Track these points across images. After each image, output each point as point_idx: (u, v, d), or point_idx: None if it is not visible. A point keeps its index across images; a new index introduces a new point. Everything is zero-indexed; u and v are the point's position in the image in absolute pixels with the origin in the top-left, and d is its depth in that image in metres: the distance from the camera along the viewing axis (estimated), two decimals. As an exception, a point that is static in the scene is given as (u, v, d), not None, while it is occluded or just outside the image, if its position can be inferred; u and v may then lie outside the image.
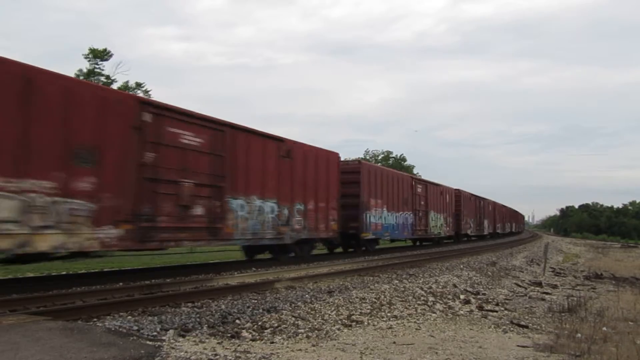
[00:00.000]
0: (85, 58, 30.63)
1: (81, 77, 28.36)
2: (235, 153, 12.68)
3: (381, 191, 21.21)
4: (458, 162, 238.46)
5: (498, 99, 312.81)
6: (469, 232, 37.01)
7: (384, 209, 21.46)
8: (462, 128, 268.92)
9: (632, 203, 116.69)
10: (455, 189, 34.46)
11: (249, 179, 13.18)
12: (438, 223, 28.88)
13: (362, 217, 19.31)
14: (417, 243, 29.37)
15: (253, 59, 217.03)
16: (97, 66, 30.65)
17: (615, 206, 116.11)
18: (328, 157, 17.31)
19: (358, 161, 20.89)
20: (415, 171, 61.30)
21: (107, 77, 30.77)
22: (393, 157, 64.62)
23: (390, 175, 23.24)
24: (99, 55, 30.53)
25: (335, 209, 17.31)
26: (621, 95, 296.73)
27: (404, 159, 65.44)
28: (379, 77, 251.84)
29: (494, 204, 48.72)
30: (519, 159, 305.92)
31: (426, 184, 27.99)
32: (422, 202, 26.30)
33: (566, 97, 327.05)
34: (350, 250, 20.61)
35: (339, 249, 20.75)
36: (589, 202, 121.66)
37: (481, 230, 41.50)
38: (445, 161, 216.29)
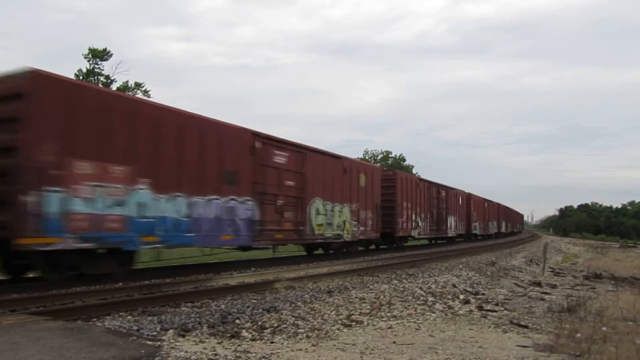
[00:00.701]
0: (85, 58, 30.70)
1: (80, 77, 28.38)
2: None
3: (132, 145, 10.19)
4: (458, 162, 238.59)
5: (498, 99, 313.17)
6: (414, 234, 25.68)
7: (142, 185, 10.36)
8: (462, 128, 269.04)
9: (631, 203, 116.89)
10: (386, 169, 24.43)
11: None
12: (336, 220, 17.98)
13: (20, 200, 8.37)
14: (317, 251, 18.84)
15: (253, 59, 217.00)
16: (97, 66, 30.71)
17: (614, 206, 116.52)
18: None
19: (29, 71, 8.72)
20: (415, 171, 61.31)
21: (107, 77, 30.83)
22: (392, 157, 64.75)
23: (175, 117, 11.37)
24: (99, 55, 30.59)
25: None
26: (621, 95, 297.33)
27: (403, 159, 65.64)
28: (379, 77, 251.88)
29: (469, 196, 37.95)
30: (519, 159, 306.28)
31: (304, 152, 16.19)
32: (291, 183, 15.41)
33: (566, 97, 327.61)
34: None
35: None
36: (589, 202, 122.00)
37: (442, 231, 30.33)
38: (446, 161, 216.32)
